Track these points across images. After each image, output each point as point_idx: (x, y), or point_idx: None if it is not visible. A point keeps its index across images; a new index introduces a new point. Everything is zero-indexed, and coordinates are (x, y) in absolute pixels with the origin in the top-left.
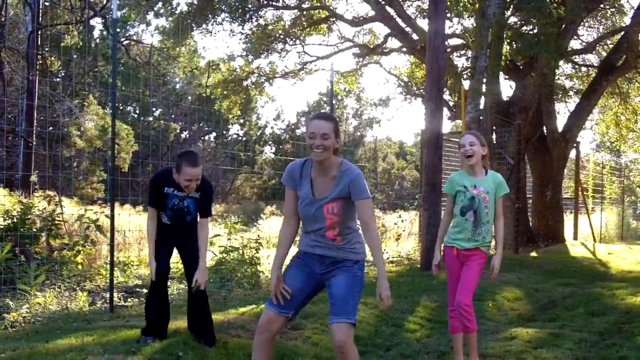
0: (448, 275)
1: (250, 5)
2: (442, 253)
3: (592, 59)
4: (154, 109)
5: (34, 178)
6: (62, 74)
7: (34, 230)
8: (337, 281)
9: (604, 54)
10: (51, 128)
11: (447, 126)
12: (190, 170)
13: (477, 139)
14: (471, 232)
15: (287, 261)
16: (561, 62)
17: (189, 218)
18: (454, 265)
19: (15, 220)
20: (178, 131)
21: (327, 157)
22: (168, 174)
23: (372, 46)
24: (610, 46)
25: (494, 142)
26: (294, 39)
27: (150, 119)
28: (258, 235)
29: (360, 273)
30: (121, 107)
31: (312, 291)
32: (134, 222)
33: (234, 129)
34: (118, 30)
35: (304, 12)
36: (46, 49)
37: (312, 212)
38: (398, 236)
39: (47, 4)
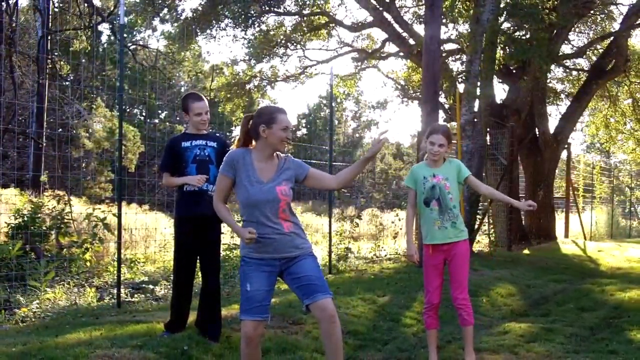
0: (425, 274)
1: (252, 12)
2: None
3: (583, 63)
4: (159, 112)
5: (44, 178)
6: (71, 78)
7: (44, 228)
8: (306, 264)
9: (594, 58)
10: (60, 130)
11: None
12: (197, 104)
13: (447, 139)
14: (439, 220)
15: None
16: (553, 66)
17: (213, 169)
18: (431, 264)
19: (25, 218)
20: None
21: None
22: (183, 133)
23: (370, 51)
24: (600, 51)
25: (488, 143)
26: (294, 44)
27: (156, 121)
28: None
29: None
30: (128, 110)
31: (274, 285)
32: (140, 221)
33: (237, 131)
34: (125, 35)
35: (305, 18)
36: (56, 54)
37: (264, 195)
38: (395, 234)
39: (56, 10)
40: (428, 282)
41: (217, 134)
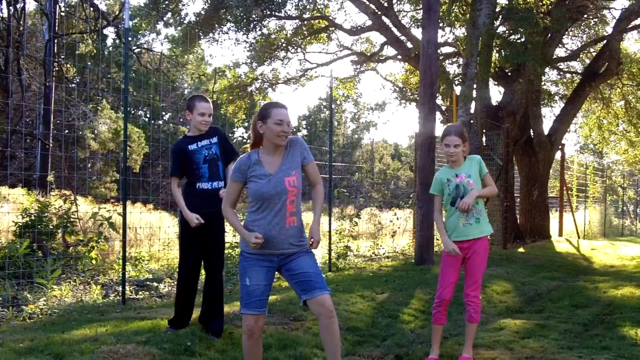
0: (442, 269)
1: (254, 16)
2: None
3: (576, 66)
4: (163, 113)
5: (50, 178)
6: (77, 80)
7: (51, 227)
8: (304, 260)
9: (588, 61)
10: (67, 131)
11: (439, 129)
12: (203, 104)
13: (461, 139)
14: (464, 217)
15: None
16: (547, 69)
17: (221, 165)
18: (450, 261)
19: (33, 217)
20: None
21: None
22: (185, 137)
23: (369, 54)
24: (594, 54)
25: (484, 144)
26: (295, 47)
27: (160, 122)
28: None
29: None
30: (133, 112)
31: (273, 280)
32: (144, 220)
33: (239, 132)
34: (130, 39)
35: (305, 22)
36: (62, 57)
37: (273, 188)
38: (393, 233)
39: (63, 14)
40: (444, 278)
41: (213, 126)
